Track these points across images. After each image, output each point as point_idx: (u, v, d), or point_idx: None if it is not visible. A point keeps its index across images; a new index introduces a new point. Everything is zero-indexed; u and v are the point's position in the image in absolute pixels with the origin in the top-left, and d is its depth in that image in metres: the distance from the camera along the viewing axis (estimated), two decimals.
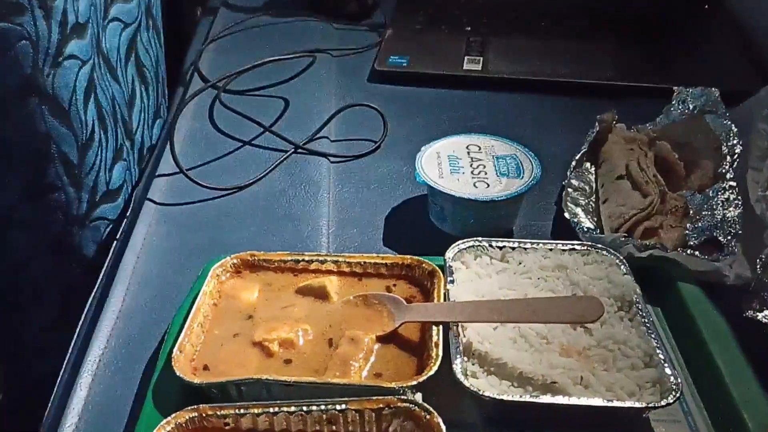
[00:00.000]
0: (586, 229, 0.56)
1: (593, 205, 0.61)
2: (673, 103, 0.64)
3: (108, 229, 0.68)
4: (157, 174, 0.67)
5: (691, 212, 0.55)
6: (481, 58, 0.82)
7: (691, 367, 0.48)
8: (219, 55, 0.86)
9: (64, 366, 0.52)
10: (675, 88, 0.64)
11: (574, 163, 0.63)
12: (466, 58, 0.82)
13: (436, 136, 0.63)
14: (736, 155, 0.56)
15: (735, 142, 0.57)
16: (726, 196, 0.54)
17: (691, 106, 0.62)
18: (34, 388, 0.56)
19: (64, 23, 0.58)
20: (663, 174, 0.61)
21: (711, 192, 0.55)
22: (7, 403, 0.64)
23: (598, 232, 0.57)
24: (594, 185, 0.63)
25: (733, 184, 0.54)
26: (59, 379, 0.51)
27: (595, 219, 0.60)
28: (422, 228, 0.61)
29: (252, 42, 0.89)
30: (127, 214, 0.65)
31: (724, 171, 0.55)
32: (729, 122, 0.58)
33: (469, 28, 0.88)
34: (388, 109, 0.74)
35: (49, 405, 0.49)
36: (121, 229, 0.64)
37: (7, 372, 0.64)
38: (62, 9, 0.57)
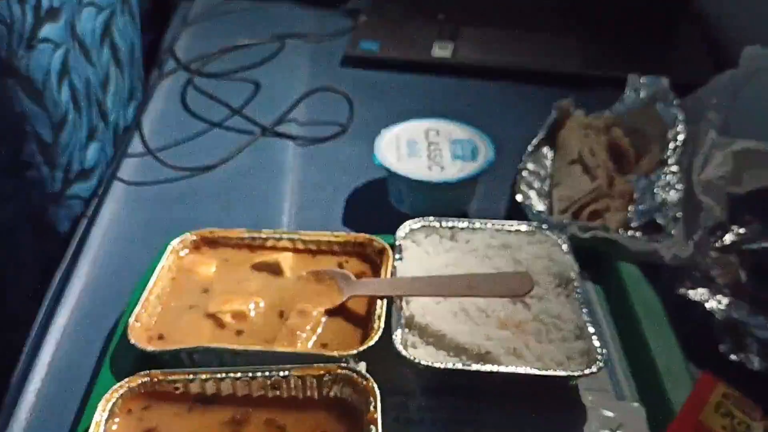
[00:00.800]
0: (536, 211, 0.59)
1: (547, 188, 0.64)
2: (626, 91, 0.66)
3: (83, 207, 0.70)
4: (127, 154, 0.69)
5: (635, 195, 0.57)
6: (452, 45, 0.84)
7: (624, 341, 0.50)
8: (196, 39, 0.88)
9: (30, 335, 0.54)
10: (628, 75, 0.66)
11: (530, 148, 0.66)
12: (436, 44, 0.84)
13: (402, 121, 0.65)
14: (680, 142, 0.58)
15: (680, 129, 0.59)
16: (667, 180, 0.56)
17: (642, 95, 0.64)
18: (14, 356, 0.59)
19: (37, 8, 0.59)
20: (616, 159, 0.63)
21: (654, 176, 0.57)
22: None
23: (548, 213, 0.59)
24: (549, 169, 0.66)
25: (675, 169, 0.57)
26: (25, 347, 0.53)
27: (549, 201, 0.62)
28: (382, 208, 0.63)
29: (229, 26, 0.90)
30: (98, 193, 0.68)
31: (666, 157, 0.57)
32: (676, 111, 0.61)
33: (442, 16, 0.90)
34: (358, 93, 0.76)
35: (15, 371, 0.52)
36: (90, 207, 0.66)
37: None
38: None
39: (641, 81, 0.65)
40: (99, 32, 0.75)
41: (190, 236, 0.53)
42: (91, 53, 0.73)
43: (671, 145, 0.58)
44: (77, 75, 0.68)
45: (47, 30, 0.61)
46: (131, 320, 0.46)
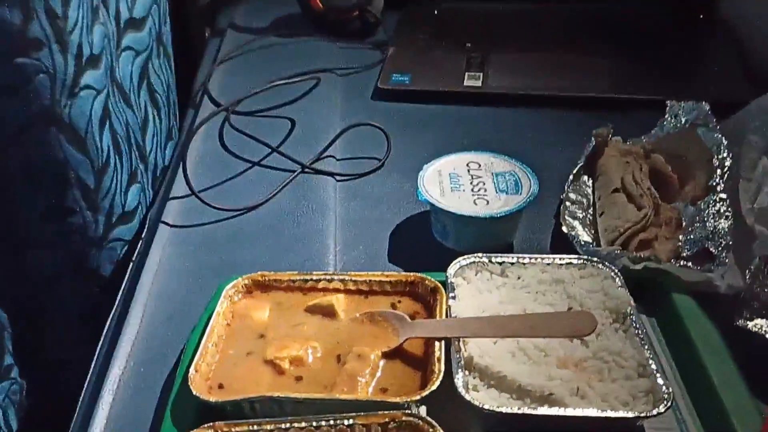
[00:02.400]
0: (583, 242, 0.58)
1: (591, 217, 0.63)
2: (666, 117, 0.66)
3: (124, 250, 0.71)
4: (170, 197, 0.69)
5: (684, 224, 0.57)
6: (481, 74, 0.84)
7: (685, 376, 0.50)
8: (228, 76, 0.89)
9: (85, 385, 0.54)
10: (668, 102, 0.66)
11: (571, 177, 0.65)
12: (466, 74, 0.84)
13: (438, 152, 0.65)
14: (726, 168, 0.58)
15: (725, 155, 0.59)
16: (717, 208, 0.56)
17: (683, 120, 0.64)
18: (57, 403, 0.59)
19: (79, 56, 0.61)
20: (658, 186, 0.63)
21: (702, 204, 0.56)
22: (31, 419, 0.67)
23: (595, 245, 0.59)
24: (591, 198, 0.65)
25: (723, 196, 0.56)
26: (81, 398, 0.54)
27: (593, 231, 0.62)
28: (426, 244, 0.63)
29: (259, 62, 0.92)
30: (143, 236, 0.68)
31: (714, 184, 0.57)
32: (719, 135, 0.60)
33: (469, 45, 0.90)
34: (392, 126, 0.77)
35: (72, 424, 0.52)
36: (137, 251, 0.66)
37: (32, 386, 0.67)
38: (78, 42, 0.60)
39: (681, 105, 0.65)
40: (137, 75, 0.76)
41: (241, 281, 0.54)
42: (129, 96, 0.74)
43: (718, 172, 0.58)
44: (117, 119, 0.69)
45: (88, 77, 0.62)
46: (191, 370, 0.47)
